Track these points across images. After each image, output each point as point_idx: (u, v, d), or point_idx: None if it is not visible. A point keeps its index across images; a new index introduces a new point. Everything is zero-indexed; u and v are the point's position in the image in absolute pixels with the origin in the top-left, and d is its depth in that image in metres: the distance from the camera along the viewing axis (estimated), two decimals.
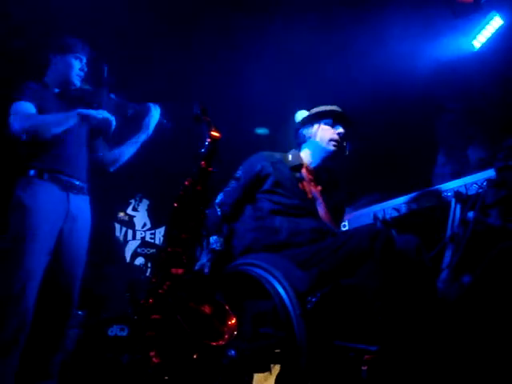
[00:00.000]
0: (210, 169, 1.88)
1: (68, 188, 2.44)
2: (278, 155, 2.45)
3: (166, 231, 6.28)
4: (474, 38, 4.16)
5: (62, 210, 2.40)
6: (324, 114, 2.47)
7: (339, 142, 2.43)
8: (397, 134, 4.61)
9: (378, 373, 1.66)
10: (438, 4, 4.06)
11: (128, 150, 2.70)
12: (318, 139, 2.45)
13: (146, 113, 2.68)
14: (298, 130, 2.54)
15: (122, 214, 6.25)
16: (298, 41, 4.21)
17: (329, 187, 2.54)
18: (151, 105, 2.68)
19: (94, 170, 2.65)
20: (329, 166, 2.50)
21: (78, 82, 2.62)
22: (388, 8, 3.88)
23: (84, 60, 2.64)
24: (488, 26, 4.05)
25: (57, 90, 2.62)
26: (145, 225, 6.43)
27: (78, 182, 2.49)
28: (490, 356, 1.85)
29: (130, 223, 6.31)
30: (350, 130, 2.48)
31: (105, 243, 5.70)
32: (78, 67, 2.61)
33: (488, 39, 4.09)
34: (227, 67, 4.54)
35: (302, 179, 2.41)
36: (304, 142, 2.50)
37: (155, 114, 2.66)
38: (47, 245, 2.32)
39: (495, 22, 4.00)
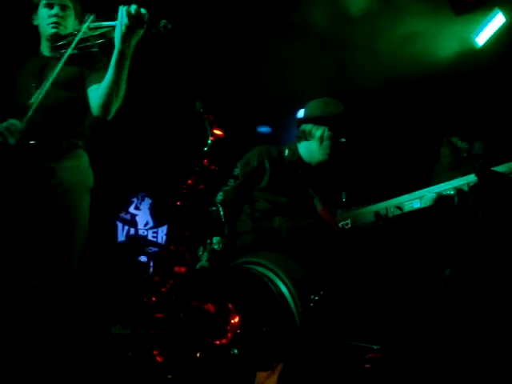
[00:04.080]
0: (213, 167, 1.87)
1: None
2: (274, 150, 2.42)
3: (168, 229, 6.29)
4: (477, 35, 4.15)
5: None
6: (333, 121, 2.40)
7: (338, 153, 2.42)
8: (398, 132, 4.61)
9: (380, 371, 1.66)
10: (440, 1, 4.05)
11: (109, 79, 2.12)
12: (320, 144, 2.41)
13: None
14: (301, 124, 2.49)
15: (124, 213, 6.26)
16: (299, 37, 4.20)
17: (325, 185, 2.53)
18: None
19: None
20: (325, 166, 2.48)
21: (54, 30, 2.28)
22: (385, 4, 3.87)
23: (58, 1, 2.28)
24: (491, 24, 4.03)
25: (50, 55, 2.31)
26: (147, 223, 6.42)
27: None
28: (489, 354, 1.84)
29: (132, 222, 6.31)
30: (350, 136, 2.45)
31: (108, 241, 5.72)
32: (47, 14, 2.29)
33: (491, 36, 4.08)
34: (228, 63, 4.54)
35: (298, 175, 2.39)
36: (305, 139, 2.47)
37: (120, 20, 2.03)
38: None
39: (498, 19, 3.99)
